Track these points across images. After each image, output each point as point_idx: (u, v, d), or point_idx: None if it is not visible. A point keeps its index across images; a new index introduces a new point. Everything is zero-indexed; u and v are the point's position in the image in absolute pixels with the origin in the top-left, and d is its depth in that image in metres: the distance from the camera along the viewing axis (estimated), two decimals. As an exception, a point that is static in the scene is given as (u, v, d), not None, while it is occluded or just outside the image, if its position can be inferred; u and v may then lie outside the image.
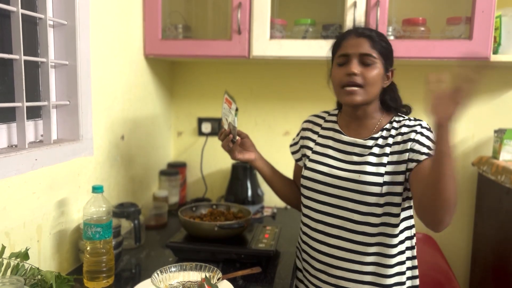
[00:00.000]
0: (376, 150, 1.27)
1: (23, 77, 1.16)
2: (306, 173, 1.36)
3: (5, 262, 1.07)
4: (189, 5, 2.08)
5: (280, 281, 1.34)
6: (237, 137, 1.39)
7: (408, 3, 1.90)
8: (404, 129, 1.26)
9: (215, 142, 2.20)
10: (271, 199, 2.13)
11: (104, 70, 1.53)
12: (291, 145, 1.53)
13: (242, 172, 2.07)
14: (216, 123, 2.19)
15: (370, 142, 1.28)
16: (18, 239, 1.14)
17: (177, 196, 2.08)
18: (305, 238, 1.39)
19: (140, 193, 1.88)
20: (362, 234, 1.26)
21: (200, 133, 2.20)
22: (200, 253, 1.44)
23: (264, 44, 1.76)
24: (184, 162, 2.19)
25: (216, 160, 2.16)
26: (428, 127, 1.25)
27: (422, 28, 1.75)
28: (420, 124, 1.26)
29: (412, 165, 1.20)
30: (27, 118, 1.22)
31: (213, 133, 2.19)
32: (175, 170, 2.09)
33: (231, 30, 1.77)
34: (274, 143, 2.16)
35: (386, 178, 1.23)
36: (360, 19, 1.70)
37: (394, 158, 1.24)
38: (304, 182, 1.37)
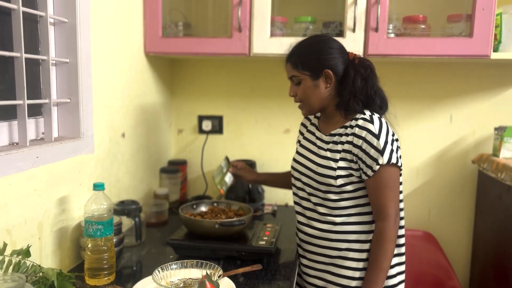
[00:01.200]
0: (331, 146, 1.36)
1: (24, 74, 1.17)
2: (292, 163, 1.51)
3: (6, 259, 1.07)
4: (189, 3, 2.08)
5: (281, 277, 1.34)
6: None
7: (408, 0, 1.89)
8: (356, 130, 1.30)
9: (215, 140, 2.20)
10: (272, 197, 2.13)
11: (104, 68, 1.53)
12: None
13: (243, 170, 2.07)
14: (217, 121, 2.19)
15: (329, 138, 1.38)
16: (19, 237, 1.14)
17: (178, 193, 2.08)
18: (296, 221, 1.51)
19: (140, 190, 1.88)
20: (325, 215, 1.38)
21: (201, 130, 2.20)
22: (201, 251, 1.45)
23: (265, 41, 1.76)
24: (185, 159, 2.19)
25: (217, 157, 2.16)
26: (374, 131, 1.27)
27: (423, 26, 1.75)
28: (367, 129, 1.28)
29: (363, 176, 1.31)
30: (28, 116, 1.22)
31: (213, 131, 2.19)
32: (175, 167, 2.09)
33: (231, 28, 1.77)
34: (274, 141, 2.16)
35: (340, 172, 1.32)
36: (361, 16, 1.70)
37: (347, 156, 1.32)
38: (291, 171, 1.51)
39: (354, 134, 1.30)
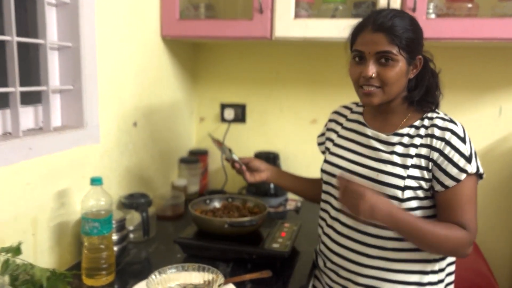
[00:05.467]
0: (399, 149, 1.13)
1: (15, 60, 1.09)
2: (324, 166, 1.28)
3: (-8, 257, 1.01)
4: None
5: (295, 285, 1.22)
6: (242, 166, 1.38)
7: (454, -24, 1.67)
8: (435, 131, 1.09)
9: (237, 129, 2.09)
10: (296, 192, 1.99)
11: (113, 52, 1.44)
12: (318, 136, 1.43)
13: (265, 162, 1.94)
14: (240, 109, 2.06)
15: (394, 139, 1.15)
16: (9, 233, 1.07)
17: (197, 185, 1.99)
18: (320, 232, 1.30)
19: (156, 182, 1.80)
20: (375, 237, 1.14)
21: (223, 119, 2.09)
22: (210, 251, 1.34)
23: (288, 24, 1.60)
24: (206, 149, 2.09)
25: (238, 148, 2.03)
26: (459, 134, 1.08)
27: (469, 5, 1.53)
28: (451, 130, 1.08)
29: (438, 187, 1.09)
30: (28, 104, 1.15)
31: (236, 119, 2.07)
32: (195, 157, 2.00)
33: (252, 9, 1.63)
34: (301, 132, 2.01)
35: (409, 182, 1.09)
36: (396, -5, 1.50)
37: (421, 162, 1.10)
38: (322, 176, 1.29)
39: (432, 136, 1.09)
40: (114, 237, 1.30)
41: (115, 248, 1.30)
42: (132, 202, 1.47)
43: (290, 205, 1.91)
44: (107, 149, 1.44)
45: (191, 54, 2.05)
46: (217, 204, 1.55)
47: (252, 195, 1.89)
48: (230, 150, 1.39)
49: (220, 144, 1.41)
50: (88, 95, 1.32)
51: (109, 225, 1.18)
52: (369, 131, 1.19)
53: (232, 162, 1.39)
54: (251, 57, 2.03)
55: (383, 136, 1.16)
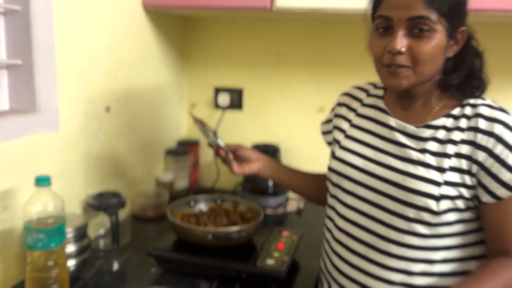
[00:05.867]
0: (433, 146, 0.87)
1: None
2: (333, 164, 1.02)
3: None
4: None
5: (292, 313, 0.98)
6: (229, 153, 1.13)
7: None
8: (480, 123, 0.84)
9: (233, 118, 1.83)
10: (298, 190, 1.74)
11: (78, 21, 1.18)
12: (322, 123, 1.17)
13: (264, 156, 1.69)
14: (236, 94, 1.81)
15: (425, 132, 0.89)
16: None
17: (186, 180, 1.74)
18: (326, 247, 1.04)
19: (137, 177, 1.55)
20: (399, 259, 0.89)
21: (217, 105, 1.83)
22: (190, 266, 1.10)
23: (292, -9, 1.33)
24: (197, 140, 1.84)
25: (234, 139, 1.79)
26: None
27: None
28: (503, 122, 0.83)
29: (487, 198, 0.84)
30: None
31: (231, 106, 1.81)
32: (184, 149, 1.75)
33: (249, -27, 1.36)
34: (305, 122, 1.75)
35: (446, 189, 0.84)
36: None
37: (462, 164, 0.85)
38: (330, 175, 1.03)
39: (476, 129, 0.84)
40: (72, 248, 1.06)
41: (73, 262, 1.07)
42: (101, 203, 1.22)
43: (291, 206, 1.66)
44: (70, 138, 1.19)
45: (180, 30, 1.78)
46: (203, 206, 1.31)
47: (247, 193, 1.65)
48: (214, 134, 1.13)
49: (202, 125, 1.15)
50: (42, 72, 1.06)
51: (59, 237, 0.94)
52: (392, 121, 0.94)
53: (217, 148, 1.14)
54: (249, 35, 1.77)
55: (411, 129, 0.90)
